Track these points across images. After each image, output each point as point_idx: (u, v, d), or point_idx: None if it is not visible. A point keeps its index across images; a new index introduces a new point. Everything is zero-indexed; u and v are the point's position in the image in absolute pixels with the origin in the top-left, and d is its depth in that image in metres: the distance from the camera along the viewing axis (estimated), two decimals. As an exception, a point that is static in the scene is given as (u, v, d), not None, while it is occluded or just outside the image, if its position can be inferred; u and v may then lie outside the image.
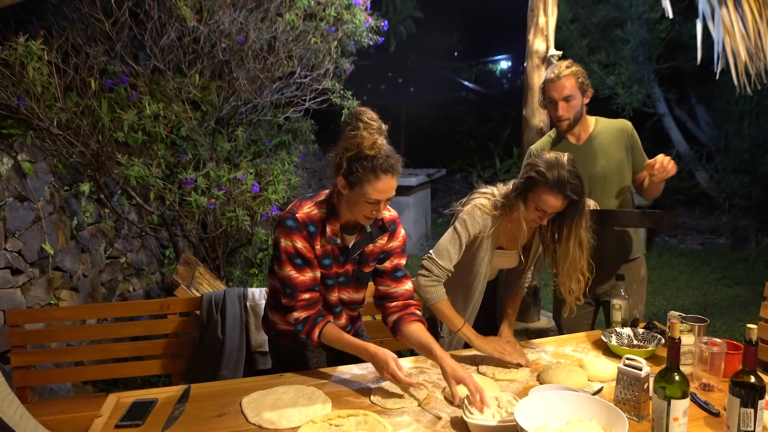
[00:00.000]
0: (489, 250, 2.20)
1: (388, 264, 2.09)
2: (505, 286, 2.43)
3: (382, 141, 1.79)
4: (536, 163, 2.02)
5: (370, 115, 1.79)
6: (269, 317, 2.16)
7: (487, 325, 2.44)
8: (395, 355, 1.86)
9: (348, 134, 1.78)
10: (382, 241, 2.05)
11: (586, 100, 2.59)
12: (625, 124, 2.68)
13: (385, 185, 1.80)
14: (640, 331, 2.24)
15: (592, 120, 2.67)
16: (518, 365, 2.05)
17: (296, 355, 2.13)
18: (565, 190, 1.96)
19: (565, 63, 2.58)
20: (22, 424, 1.51)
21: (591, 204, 2.33)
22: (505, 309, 2.38)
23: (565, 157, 2.02)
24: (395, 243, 2.08)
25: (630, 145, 2.63)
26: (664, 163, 2.32)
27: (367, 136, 1.76)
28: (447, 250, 2.16)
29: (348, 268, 2.03)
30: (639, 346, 2.17)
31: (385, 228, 2.02)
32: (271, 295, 2.15)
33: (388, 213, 2.06)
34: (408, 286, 2.11)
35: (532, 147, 2.77)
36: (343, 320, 2.13)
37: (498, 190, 2.19)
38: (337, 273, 2.01)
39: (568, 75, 2.52)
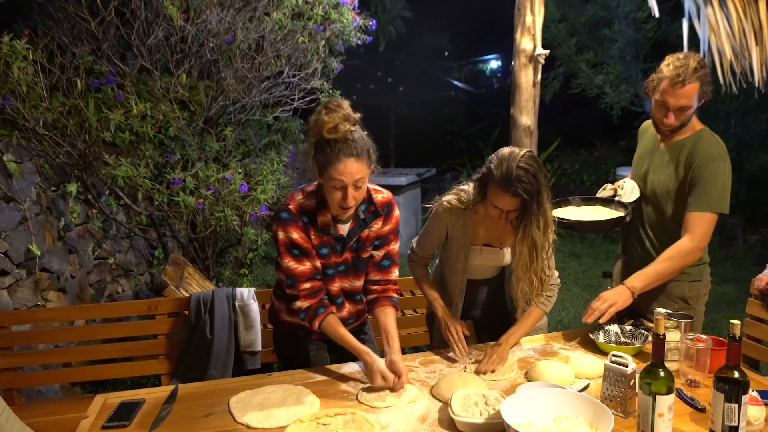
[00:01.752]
0: (463, 245, 2.18)
1: (378, 254, 2.10)
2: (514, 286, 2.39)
3: (346, 127, 1.79)
4: (491, 158, 1.97)
5: (337, 102, 1.82)
6: (275, 306, 2.21)
7: (478, 325, 2.44)
8: (384, 370, 1.89)
9: (312, 119, 1.83)
10: (377, 226, 2.06)
11: (701, 103, 2.24)
12: (707, 151, 2.21)
13: (347, 167, 1.79)
14: (627, 328, 2.25)
15: (692, 128, 2.30)
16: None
17: (296, 345, 2.16)
18: (513, 188, 1.86)
19: (693, 61, 2.15)
20: (8, 426, 1.50)
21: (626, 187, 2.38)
22: (520, 316, 2.26)
23: (521, 152, 1.90)
24: (389, 226, 2.09)
25: (692, 176, 2.22)
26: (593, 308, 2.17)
27: (327, 120, 1.78)
28: (421, 242, 2.31)
29: (347, 256, 2.04)
30: (626, 343, 2.19)
31: (378, 213, 2.03)
32: (277, 285, 2.19)
33: (381, 195, 2.06)
34: (393, 275, 2.15)
35: (644, 125, 2.56)
36: (344, 312, 2.13)
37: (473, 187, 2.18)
38: (336, 262, 2.03)
39: (694, 81, 2.13)
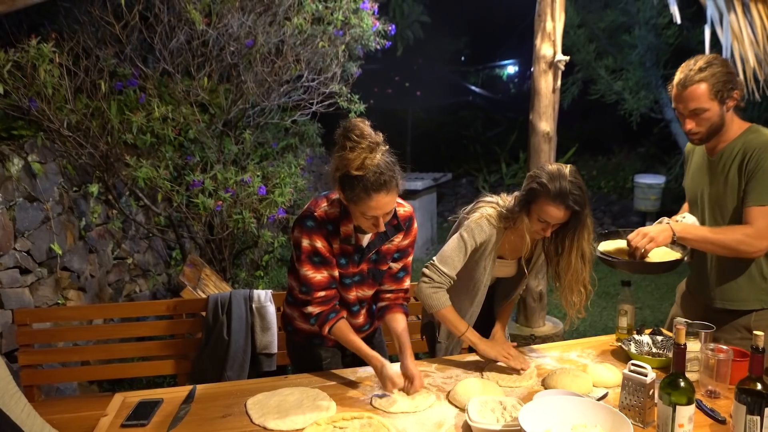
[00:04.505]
0: (492, 260, 2.20)
1: (396, 266, 2.11)
2: (502, 294, 2.42)
3: (371, 159, 1.72)
4: (538, 174, 2.02)
5: (359, 131, 1.72)
6: (287, 312, 2.20)
7: (484, 328, 2.43)
8: (398, 374, 1.88)
9: (336, 154, 1.76)
10: (398, 239, 2.05)
11: (730, 104, 2.02)
12: (759, 140, 2.01)
13: (378, 203, 1.76)
14: (659, 338, 2.20)
15: (739, 128, 2.08)
16: (520, 371, 2.05)
17: (310, 353, 2.15)
18: (567, 201, 1.95)
19: (700, 61, 2.01)
20: (29, 422, 1.53)
21: (689, 220, 2.16)
22: (501, 313, 2.40)
23: (567, 168, 2.02)
24: (409, 239, 2.09)
25: (747, 168, 2.01)
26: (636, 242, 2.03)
27: (353, 157, 1.71)
28: (452, 258, 2.15)
29: (363, 268, 2.03)
30: (659, 354, 2.14)
31: (400, 227, 2.02)
32: (288, 292, 2.18)
33: (403, 209, 2.04)
34: (406, 284, 2.16)
35: (688, 145, 2.33)
36: (360, 319, 2.13)
37: (502, 200, 2.19)
38: (352, 272, 2.02)
39: (698, 82, 1.98)
